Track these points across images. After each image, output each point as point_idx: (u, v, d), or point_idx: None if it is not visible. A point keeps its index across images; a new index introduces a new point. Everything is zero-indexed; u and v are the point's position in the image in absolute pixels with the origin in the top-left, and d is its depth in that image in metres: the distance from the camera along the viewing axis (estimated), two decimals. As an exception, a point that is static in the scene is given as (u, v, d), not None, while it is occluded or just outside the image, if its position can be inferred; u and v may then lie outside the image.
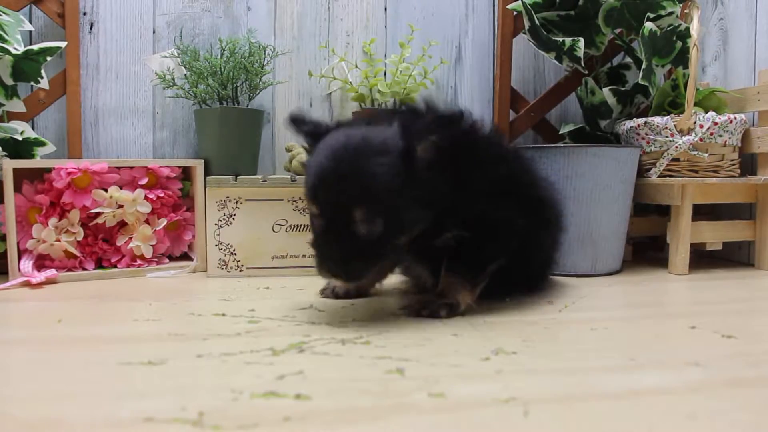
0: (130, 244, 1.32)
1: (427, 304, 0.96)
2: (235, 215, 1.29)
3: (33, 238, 1.26)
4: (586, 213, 1.29)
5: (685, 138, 1.32)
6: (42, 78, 1.30)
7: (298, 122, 0.98)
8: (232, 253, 1.30)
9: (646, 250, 1.51)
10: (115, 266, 1.32)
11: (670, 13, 1.36)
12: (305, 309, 1.01)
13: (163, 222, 1.35)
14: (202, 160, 1.36)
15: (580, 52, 1.35)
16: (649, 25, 1.32)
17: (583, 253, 1.30)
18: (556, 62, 1.42)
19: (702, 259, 1.51)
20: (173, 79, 1.36)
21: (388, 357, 0.76)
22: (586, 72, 1.47)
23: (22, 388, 0.66)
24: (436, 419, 0.57)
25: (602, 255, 1.32)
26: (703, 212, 1.54)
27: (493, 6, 1.63)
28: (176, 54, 1.37)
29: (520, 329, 0.89)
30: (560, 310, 1.01)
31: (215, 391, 0.64)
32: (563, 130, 1.52)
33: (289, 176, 1.30)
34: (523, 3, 1.38)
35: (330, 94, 1.54)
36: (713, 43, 1.56)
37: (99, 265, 1.33)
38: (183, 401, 0.61)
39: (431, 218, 0.91)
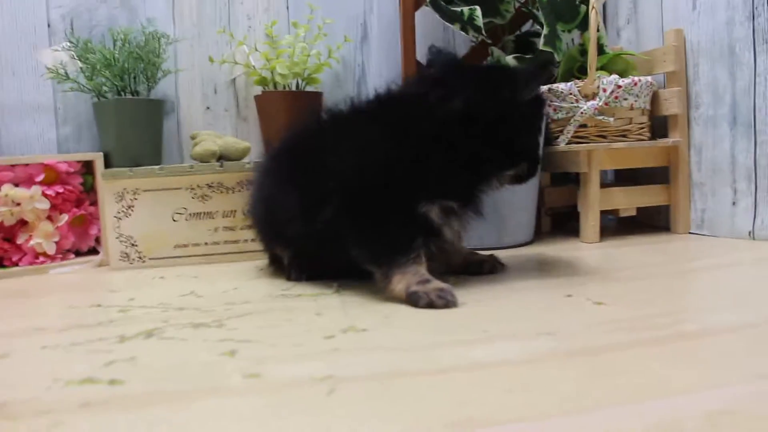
0: (31, 242, 1.29)
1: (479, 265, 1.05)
2: (133, 206, 1.27)
3: (-71, 242, 1.24)
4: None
5: (589, 103, 1.29)
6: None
7: (433, 57, 1.06)
8: (133, 245, 1.27)
9: (566, 221, 1.49)
10: (17, 265, 1.30)
11: (572, -23, 1.34)
12: (184, 296, 0.99)
13: (65, 218, 1.32)
14: (101, 154, 1.33)
15: (480, 21, 1.32)
16: (547, -9, 1.30)
17: (490, 226, 1.27)
18: (463, 33, 1.39)
19: (624, 225, 1.49)
20: (66, 73, 1.33)
21: (231, 339, 0.74)
22: (490, 42, 1.44)
23: None
24: (244, 400, 0.55)
25: (510, 228, 1.29)
26: (625, 177, 1.52)
27: (397, -20, 1.59)
28: (68, 47, 1.34)
29: (391, 305, 0.87)
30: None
31: (38, 381, 0.62)
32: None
33: (187, 165, 1.28)
34: (421, -26, 1.35)
35: (234, 79, 1.51)
36: (626, 6, 1.53)
37: (1, 264, 1.30)
38: (5, 395, 0.59)
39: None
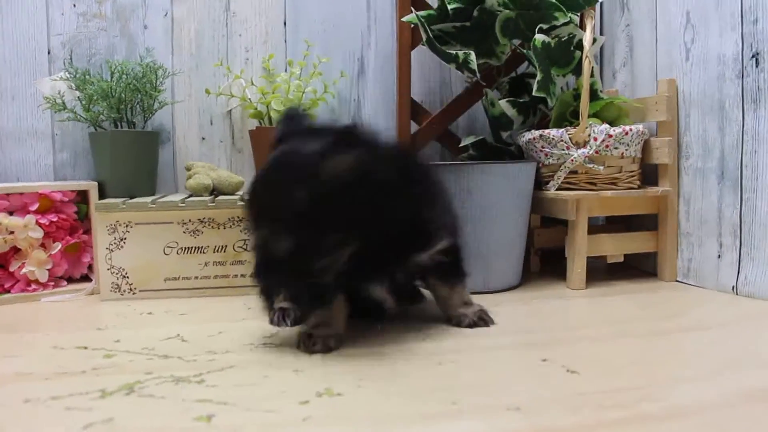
0: (24, 270, 1.31)
1: (310, 335, 0.96)
2: (125, 239, 1.28)
3: (-76, 267, 1.26)
4: (477, 230, 1.27)
5: (580, 151, 1.30)
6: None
7: (284, 120, 1.00)
8: (124, 277, 1.29)
9: (557, 260, 1.50)
10: (8, 291, 1.31)
11: (567, 23, 1.35)
12: (170, 339, 1.00)
13: (59, 246, 1.34)
14: (96, 183, 1.34)
15: (474, 65, 1.33)
16: (540, 37, 1.31)
17: (477, 270, 1.28)
18: (460, 72, 1.41)
19: (611, 268, 1.50)
20: (64, 103, 1.35)
21: (209, 400, 0.75)
22: (485, 84, 1.46)
23: None
24: None
25: (495, 271, 1.30)
26: (614, 220, 1.53)
27: (395, 18, 1.60)
28: (67, 77, 1.36)
29: (367, 364, 0.88)
30: (424, 338, 1.00)
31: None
32: (464, 142, 1.50)
33: (179, 200, 1.29)
34: (417, 16, 1.36)
35: (230, 111, 1.53)
36: (621, 50, 1.54)
37: (-5, 290, 1.32)
38: None
39: (370, 244, 0.88)
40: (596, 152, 1.30)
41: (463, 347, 0.95)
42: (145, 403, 0.74)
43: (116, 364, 0.89)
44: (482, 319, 1.07)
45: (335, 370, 0.86)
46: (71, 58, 1.44)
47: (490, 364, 0.89)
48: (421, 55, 1.57)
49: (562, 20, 1.33)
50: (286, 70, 1.49)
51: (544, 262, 1.51)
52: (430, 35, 1.37)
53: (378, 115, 1.60)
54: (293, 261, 0.87)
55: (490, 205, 1.27)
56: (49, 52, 1.46)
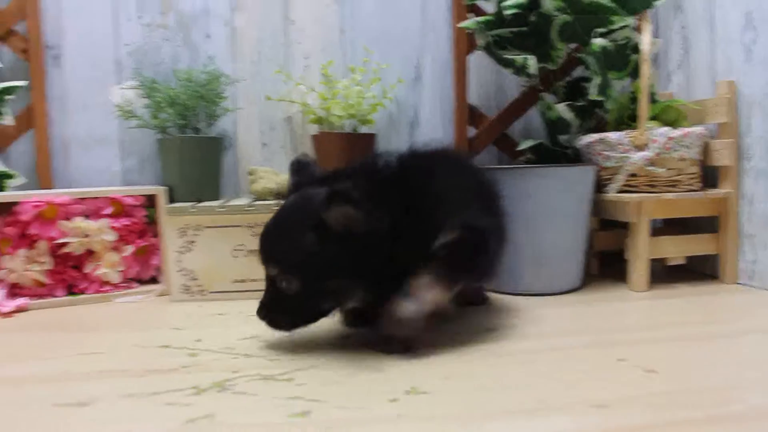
0: (98, 271, 1.36)
1: (387, 338, 0.95)
2: (194, 242, 1.32)
3: (3, 269, 1.31)
4: (538, 233, 1.29)
5: (640, 154, 1.31)
6: (4, 115, 1.34)
7: (296, 170, 1.04)
8: (193, 278, 1.33)
9: (615, 262, 1.51)
10: (84, 292, 1.36)
11: (624, 27, 1.36)
12: (247, 339, 1.04)
13: (130, 249, 1.39)
14: (164, 188, 1.39)
15: (532, 69, 1.35)
16: (598, 41, 1.32)
17: (538, 272, 1.31)
18: (516, 76, 1.43)
19: (670, 271, 1.50)
20: (132, 111, 1.39)
21: (301, 397, 0.78)
22: (542, 88, 1.47)
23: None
24: None
25: (557, 274, 1.32)
26: (673, 223, 1.54)
27: (451, 23, 1.63)
28: (135, 85, 1.40)
29: (448, 363, 0.90)
30: (498, 338, 1.02)
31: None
32: (522, 146, 1.52)
33: (246, 203, 1.33)
34: (475, 21, 1.38)
35: (290, 117, 1.56)
36: (676, 51, 1.54)
37: (70, 291, 1.37)
38: None
39: (377, 281, 0.92)
40: (656, 155, 1.31)
41: (538, 348, 0.97)
42: (240, 400, 0.78)
43: (202, 363, 0.92)
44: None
45: (417, 369, 0.88)
46: (138, 67, 1.48)
47: (569, 363, 0.91)
48: (476, 60, 1.59)
49: (618, 24, 1.35)
50: (344, 77, 1.52)
51: (602, 265, 1.52)
52: (488, 40, 1.39)
53: (435, 119, 1.62)
54: (301, 301, 0.93)
55: (550, 209, 1.29)
56: (117, 62, 1.51)
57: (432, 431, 0.67)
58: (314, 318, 0.97)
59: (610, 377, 0.84)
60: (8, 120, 1.35)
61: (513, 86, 1.64)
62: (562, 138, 1.49)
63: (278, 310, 0.96)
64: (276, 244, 0.95)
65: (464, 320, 1.13)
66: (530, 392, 0.79)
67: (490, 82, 1.63)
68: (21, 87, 1.35)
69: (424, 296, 0.91)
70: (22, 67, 1.45)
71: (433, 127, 1.62)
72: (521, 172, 1.30)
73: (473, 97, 1.59)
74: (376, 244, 0.89)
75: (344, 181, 0.91)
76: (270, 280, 0.95)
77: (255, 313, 0.96)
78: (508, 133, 1.62)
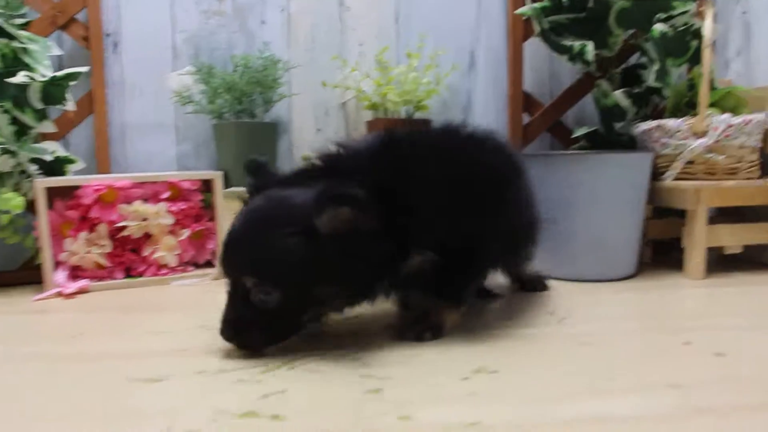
0: (156, 255, 1.39)
1: (411, 327, 0.95)
2: (251, 226, 1.34)
3: (66, 251, 1.34)
4: (595, 220, 1.28)
5: (699, 141, 1.30)
6: (66, 101, 1.37)
7: (252, 172, 0.95)
8: (250, 263, 1.34)
9: (668, 251, 1.49)
10: (141, 275, 1.39)
11: (684, 12, 1.34)
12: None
13: (186, 232, 1.41)
14: (221, 173, 1.41)
15: (590, 56, 1.34)
16: (659, 27, 1.31)
17: (593, 259, 1.30)
18: (572, 63, 1.42)
19: (726, 260, 1.48)
20: (189, 97, 1.42)
21: (372, 376, 0.78)
22: (599, 74, 1.46)
23: (30, 404, 0.72)
24: None
25: (613, 260, 1.31)
26: (728, 211, 1.51)
27: (505, 11, 1.62)
28: (192, 71, 1.43)
29: (510, 344, 0.91)
30: (559, 321, 1.02)
31: (201, 411, 0.68)
32: (577, 134, 1.51)
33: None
34: (532, 8, 1.38)
35: (344, 103, 1.57)
36: (736, 38, 1.52)
37: (128, 274, 1.40)
38: (170, 421, 0.65)
39: (364, 286, 0.88)
40: (716, 142, 1.30)
41: (599, 331, 0.97)
42: (311, 378, 0.79)
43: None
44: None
45: (481, 350, 0.88)
46: (195, 53, 1.51)
47: (633, 345, 0.90)
48: (530, 47, 1.59)
49: (680, 9, 1.33)
50: (398, 63, 1.52)
51: (655, 253, 1.51)
52: (545, 27, 1.39)
53: (488, 107, 1.62)
54: (280, 314, 0.84)
55: (607, 195, 1.28)
56: (173, 48, 1.54)
57: (507, 410, 0.68)
58: (292, 332, 0.89)
59: (681, 360, 0.83)
60: (70, 105, 1.38)
61: (567, 73, 1.63)
62: (617, 125, 1.48)
63: (249, 327, 0.86)
64: (251, 252, 0.84)
65: (524, 304, 1.13)
66: (599, 373, 0.78)
67: (543, 69, 1.63)
68: (83, 73, 1.38)
69: (441, 322, 0.95)
70: (82, 54, 1.48)
71: (485, 113, 1.62)
72: (578, 158, 1.29)
73: (527, 85, 1.59)
74: (367, 246, 0.83)
75: (317, 182, 0.85)
76: (237, 294, 0.85)
77: (220, 333, 0.86)
78: (561, 120, 1.61)
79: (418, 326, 0.94)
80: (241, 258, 0.85)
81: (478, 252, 0.96)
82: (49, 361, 0.89)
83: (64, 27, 1.45)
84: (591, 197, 1.28)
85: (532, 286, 1.23)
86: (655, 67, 1.33)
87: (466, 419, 0.65)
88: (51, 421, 0.68)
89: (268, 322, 0.85)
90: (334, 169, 0.91)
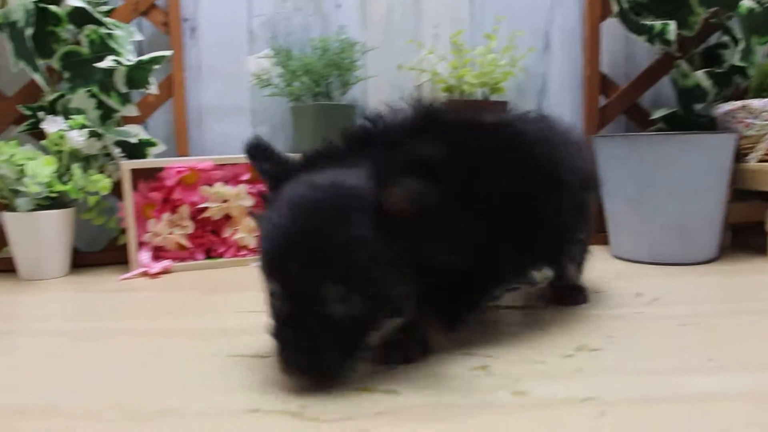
0: (236, 236, 1.42)
1: (394, 347, 0.77)
2: (330, 208, 1.36)
3: (149, 232, 1.38)
4: (677, 202, 1.27)
5: (785, 121, 1.27)
6: (150, 84, 1.41)
7: (257, 156, 0.83)
8: (328, 244, 1.37)
9: (748, 236, 1.47)
10: (221, 256, 1.42)
11: (771, -11, 1.31)
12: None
13: (264, 214, 1.44)
14: (299, 156, 1.43)
15: (671, 35, 1.32)
16: (746, 3, 1.28)
17: (674, 241, 1.28)
18: (649, 44, 1.40)
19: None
20: (268, 80, 1.44)
21: (474, 353, 0.80)
22: (679, 55, 1.43)
23: (138, 378, 0.75)
24: (517, 418, 0.61)
25: (696, 243, 1.30)
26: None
27: (579, -9, 1.61)
28: (271, 54, 1.45)
29: (606, 324, 0.91)
30: (648, 303, 1.02)
31: (314, 385, 0.69)
32: (655, 115, 1.48)
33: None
34: (612, -13, 1.36)
35: (420, 86, 1.57)
36: (822, 16, 1.47)
37: (208, 255, 1.43)
38: (283, 394, 0.68)
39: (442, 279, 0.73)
40: (803, 123, 1.27)
41: (692, 312, 0.96)
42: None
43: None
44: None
45: (577, 328, 0.89)
46: (271, 37, 1.53)
47: (726, 326, 0.90)
48: (606, 28, 1.56)
49: (768, -14, 1.30)
50: (473, 46, 1.52)
51: (734, 238, 1.48)
52: (623, 6, 1.37)
53: (564, 89, 1.60)
54: (358, 325, 0.69)
55: (689, 177, 1.26)
56: (250, 32, 1.56)
57: (620, 385, 0.68)
58: (361, 348, 0.71)
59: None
60: (153, 89, 1.42)
61: (643, 54, 1.60)
62: (697, 106, 1.45)
63: (320, 347, 0.67)
64: (323, 251, 0.66)
65: (605, 286, 1.13)
66: (696, 351, 0.79)
67: (619, 50, 1.60)
68: (166, 57, 1.41)
69: (427, 339, 0.81)
70: (161, 39, 1.51)
71: (561, 96, 1.60)
72: (662, 139, 1.27)
73: (602, 66, 1.56)
74: (432, 233, 0.70)
75: (353, 161, 0.73)
76: (298, 306, 0.68)
77: (280, 362, 0.68)
78: (638, 101, 1.59)
79: (405, 345, 0.77)
80: (310, 259, 0.66)
81: (507, 263, 0.83)
82: (139, 336, 0.92)
83: (144, 13, 1.48)
84: (673, 179, 1.26)
85: (572, 299, 1.03)
86: (741, 45, 1.30)
87: (580, 395, 0.66)
88: (174, 390, 0.70)
89: (343, 338, 0.68)
90: (363, 145, 0.78)
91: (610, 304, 1.02)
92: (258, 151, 0.82)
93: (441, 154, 0.71)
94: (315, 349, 0.67)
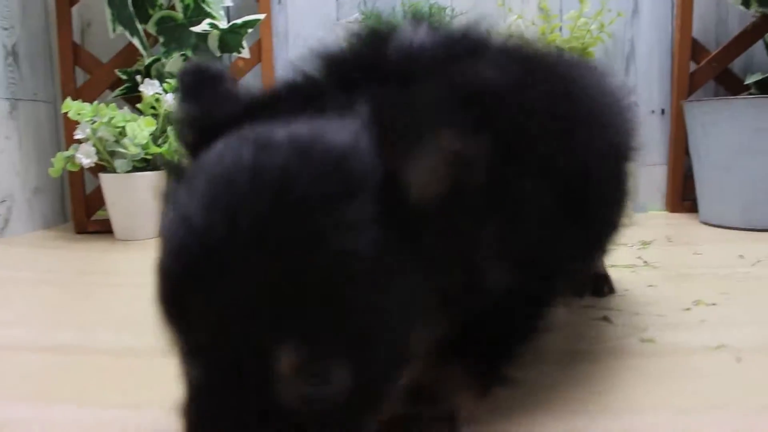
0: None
1: (414, 420, 0.46)
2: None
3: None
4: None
5: None
6: (243, 48, 1.44)
7: (188, 92, 0.45)
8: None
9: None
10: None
11: None
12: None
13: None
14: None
15: (772, -3, 1.30)
16: None
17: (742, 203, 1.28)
18: (742, 8, 1.37)
19: None
20: (359, 44, 1.46)
21: (592, 306, 0.81)
22: (776, 18, 1.40)
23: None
24: (650, 363, 0.62)
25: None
26: None
27: (674, -46, 1.57)
28: (360, 19, 1.46)
29: (715, 282, 0.92)
30: (752, 264, 1.02)
31: None
32: (749, 80, 1.45)
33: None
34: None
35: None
36: None
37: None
38: None
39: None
40: None
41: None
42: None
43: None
44: None
45: (688, 286, 0.91)
46: (358, 4, 1.54)
47: None
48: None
49: None
50: (561, 11, 1.51)
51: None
52: (720, -31, 1.34)
53: (652, 54, 1.58)
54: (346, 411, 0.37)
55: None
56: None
57: (744, 334, 0.69)
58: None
59: None
60: (245, 53, 1.45)
61: (735, 19, 1.57)
62: (793, 72, 1.42)
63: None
64: (278, 278, 0.33)
65: (710, 248, 1.14)
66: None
67: (710, 14, 1.57)
68: (258, 21, 1.43)
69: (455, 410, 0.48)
70: (249, 5, 1.54)
71: (650, 61, 1.58)
72: (759, 102, 1.25)
73: (693, 31, 1.54)
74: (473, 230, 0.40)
75: (344, 99, 0.39)
76: (232, 380, 0.34)
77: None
78: (728, 67, 1.56)
79: (423, 419, 0.46)
80: (254, 294, 0.33)
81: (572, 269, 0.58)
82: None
83: (243, -21, 1.52)
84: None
85: (598, 288, 0.87)
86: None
87: (709, 343, 0.67)
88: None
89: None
90: (360, 77, 0.42)
91: (713, 264, 1.03)
92: (193, 81, 0.45)
93: (513, 82, 0.44)
94: None
